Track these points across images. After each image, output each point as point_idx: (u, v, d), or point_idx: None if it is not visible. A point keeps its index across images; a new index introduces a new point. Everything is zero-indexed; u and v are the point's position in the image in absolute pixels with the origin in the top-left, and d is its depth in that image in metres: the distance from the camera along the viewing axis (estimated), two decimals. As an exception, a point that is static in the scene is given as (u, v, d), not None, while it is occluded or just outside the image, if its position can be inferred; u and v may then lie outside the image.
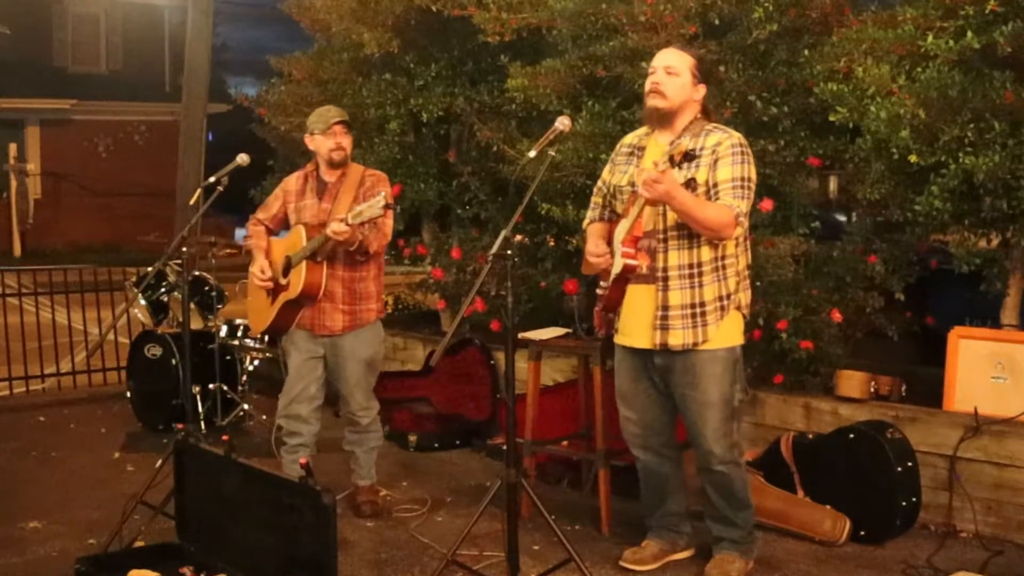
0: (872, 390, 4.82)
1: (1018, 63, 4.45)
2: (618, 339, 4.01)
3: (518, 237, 6.36)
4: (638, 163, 3.92)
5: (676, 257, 3.76)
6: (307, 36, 7.65)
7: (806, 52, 5.04)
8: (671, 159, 3.54)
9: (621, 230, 3.83)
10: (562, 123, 3.73)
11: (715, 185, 3.70)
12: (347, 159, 4.63)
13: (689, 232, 3.73)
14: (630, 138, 4.07)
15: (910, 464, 4.38)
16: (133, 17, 23.18)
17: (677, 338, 3.78)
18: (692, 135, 3.74)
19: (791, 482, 4.59)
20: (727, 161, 3.70)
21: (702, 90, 3.84)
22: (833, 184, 6.11)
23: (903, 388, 4.89)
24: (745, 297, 3.88)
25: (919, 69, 4.51)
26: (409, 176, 6.80)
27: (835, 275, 5.20)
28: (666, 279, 3.78)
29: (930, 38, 4.43)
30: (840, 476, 4.44)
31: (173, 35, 22.74)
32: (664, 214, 3.76)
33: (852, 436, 4.47)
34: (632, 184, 3.86)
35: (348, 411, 4.73)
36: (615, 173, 4.02)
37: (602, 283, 3.96)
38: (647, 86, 3.84)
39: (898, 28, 4.59)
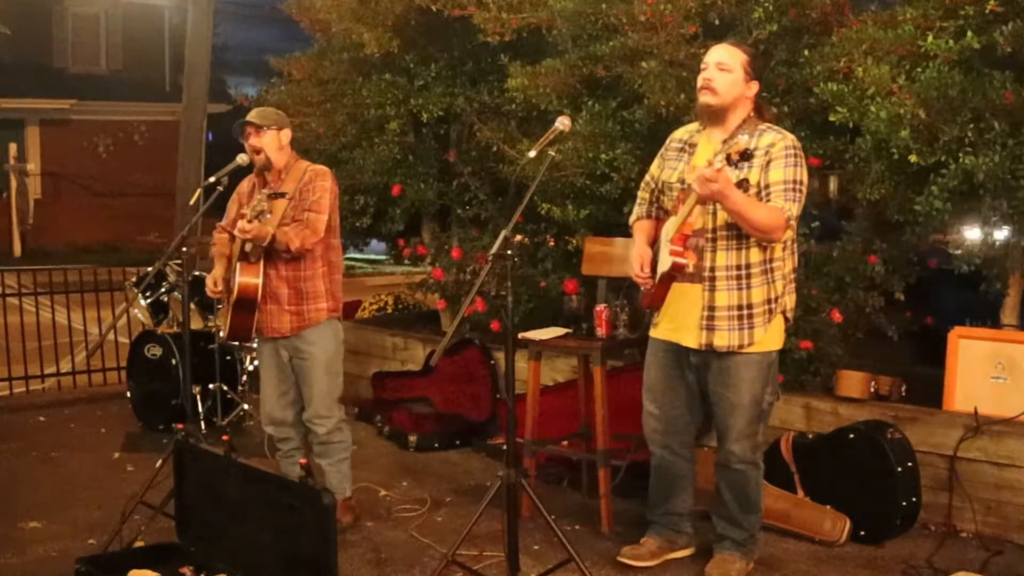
0: (872, 390, 4.82)
1: (1018, 63, 4.45)
2: (656, 333, 3.97)
3: (518, 237, 6.36)
4: (689, 159, 3.87)
5: (724, 257, 3.73)
6: (307, 36, 7.65)
7: (806, 52, 5.03)
8: (728, 157, 3.48)
9: (670, 227, 3.78)
10: (562, 123, 3.72)
11: (767, 187, 3.66)
12: (267, 161, 4.42)
13: (739, 233, 3.69)
14: (681, 133, 4.02)
15: (910, 464, 4.38)
16: (133, 17, 23.16)
17: (723, 339, 3.75)
18: (747, 133, 3.69)
19: (791, 482, 4.59)
20: (780, 163, 3.66)
21: (754, 87, 3.80)
22: (833, 184, 6.10)
23: (903, 388, 4.89)
24: (790, 301, 3.86)
25: (919, 69, 4.51)
26: (409, 176, 6.80)
27: (835, 275, 5.20)
28: (713, 279, 3.75)
29: (930, 38, 4.43)
30: (840, 476, 4.44)
31: (173, 35, 22.74)
32: (714, 213, 3.72)
33: (852, 436, 4.47)
34: (682, 181, 3.83)
35: (306, 416, 4.54)
36: (664, 168, 3.98)
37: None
38: (699, 82, 3.80)
39: (898, 28, 4.59)
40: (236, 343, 6.36)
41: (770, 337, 3.78)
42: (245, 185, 4.63)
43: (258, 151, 4.41)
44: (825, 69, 4.84)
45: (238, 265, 4.37)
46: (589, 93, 5.67)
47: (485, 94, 6.51)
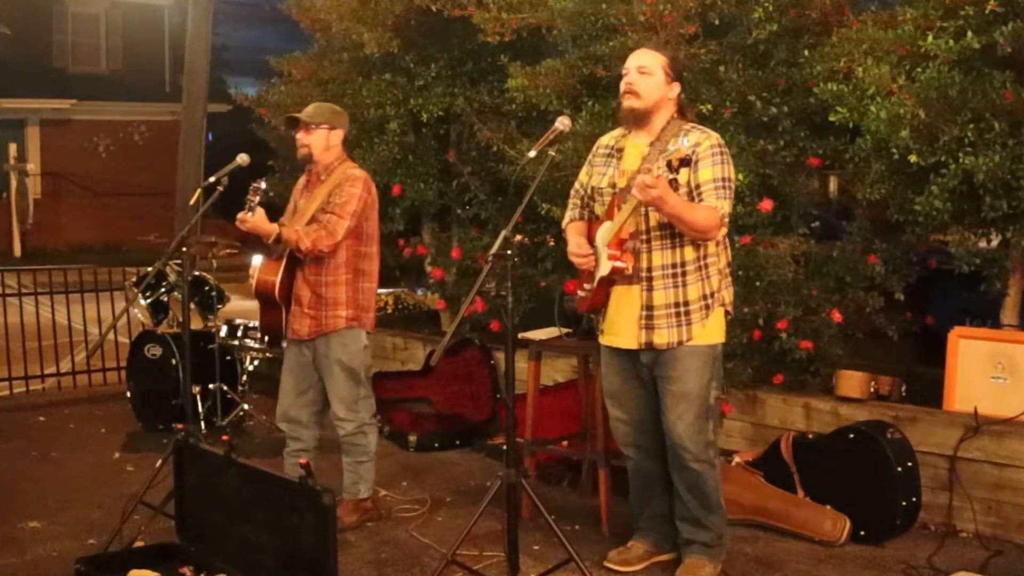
0: (872, 390, 4.82)
1: (1018, 63, 4.45)
2: (603, 340, 4.02)
3: (518, 237, 6.34)
4: (618, 164, 3.92)
5: (660, 257, 3.78)
6: (307, 36, 7.66)
7: (806, 52, 5.04)
8: (668, 164, 3.53)
9: (606, 232, 3.83)
10: (562, 123, 3.75)
11: (697, 186, 3.72)
12: (310, 156, 4.43)
13: (672, 232, 3.75)
14: (607, 139, 4.06)
15: (910, 464, 4.38)
16: (133, 17, 23.15)
17: (662, 337, 3.79)
18: (673, 135, 3.74)
19: (791, 482, 4.59)
20: (708, 162, 3.72)
21: (676, 88, 3.84)
22: (833, 184, 6.10)
23: (903, 388, 4.89)
24: (728, 294, 3.91)
25: (919, 69, 4.51)
26: (409, 176, 6.80)
27: (835, 275, 5.20)
28: (651, 279, 3.80)
29: (930, 38, 4.43)
30: (840, 476, 4.44)
31: (173, 35, 22.71)
32: (646, 215, 3.77)
33: (852, 436, 4.47)
34: (613, 186, 3.88)
35: (330, 417, 4.59)
36: (593, 175, 4.03)
37: (585, 285, 3.97)
38: (621, 87, 3.85)
39: (898, 28, 4.60)
40: (236, 343, 6.39)
41: (710, 331, 3.83)
42: (301, 182, 4.65)
43: (302, 146, 4.43)
44: (825, 69, 4.85)
45: (262, 260, 4.40)
46: (589, 93, 5.67)
47: (485, 94, 6.52)
